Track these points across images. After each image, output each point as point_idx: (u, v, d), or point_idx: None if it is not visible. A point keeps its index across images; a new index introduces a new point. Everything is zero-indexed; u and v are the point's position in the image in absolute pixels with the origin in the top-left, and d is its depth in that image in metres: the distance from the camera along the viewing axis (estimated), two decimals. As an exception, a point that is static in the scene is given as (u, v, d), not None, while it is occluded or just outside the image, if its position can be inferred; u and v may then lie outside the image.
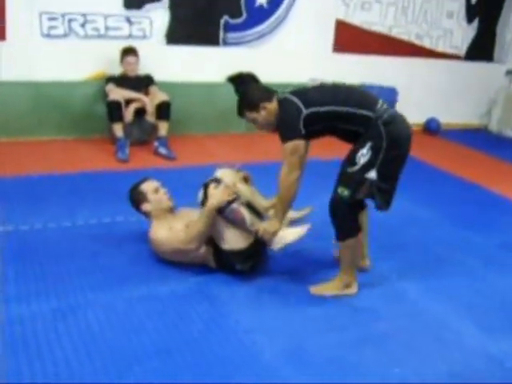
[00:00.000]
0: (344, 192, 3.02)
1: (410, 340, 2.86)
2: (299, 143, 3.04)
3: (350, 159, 3.06)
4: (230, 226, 3.23)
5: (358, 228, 3.16)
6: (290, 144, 3.03)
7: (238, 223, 3.21)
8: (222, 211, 3.17)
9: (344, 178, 3.06)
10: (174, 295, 3.05)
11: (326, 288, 3.23)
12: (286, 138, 3.06)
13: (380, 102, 3.09)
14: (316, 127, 3.10)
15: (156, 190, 3.46)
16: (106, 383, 2.35)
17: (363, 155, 3.01)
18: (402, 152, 3.11)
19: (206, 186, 3.25)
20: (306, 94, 3.14)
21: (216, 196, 3.16)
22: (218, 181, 3.28)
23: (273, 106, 3.16)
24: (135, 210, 3.53)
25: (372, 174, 3.00)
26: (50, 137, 5.68)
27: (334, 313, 3.04)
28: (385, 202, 3.12)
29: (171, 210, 3.51)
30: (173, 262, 3.34)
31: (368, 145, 3.01)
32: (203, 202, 3.21)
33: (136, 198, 3.50)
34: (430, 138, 7.57)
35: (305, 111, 3.03)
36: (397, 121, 3.07)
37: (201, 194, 3.28)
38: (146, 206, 3.45)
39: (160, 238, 3.31)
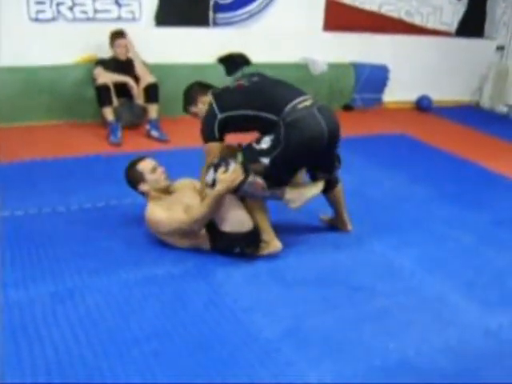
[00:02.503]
0: (239, 158, 3.27)
1: (408, 316, 2.88)
2: (213, 145, 3.37)
3: (258, 139, 3.30)
4: (235, 208, 3.23)
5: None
6: (206, 146, 3.39)
7: (258, 194, 3.23)
8: (238, 189, 3.17)
9: (247, 149, 3.32)
10: (171, 277, 3.06)
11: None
12: (203, 138, 3.41)
13: (296, 100, 3.26)
14: (231, 128, 3.39)
15: (153, 170, 3.44)
16: (105, 366, 2.37)
17: (265, 142, 3.24)
18: (303, 153, 3.24)
19: (216, 167, 3.21)
20: (223, 97, 3.41)
21: (225, 181, 3.12)
22: (227, 163, 3.22)
23: (207, 99, 3.42)
24: (131, 189, 3.51)
25: (265, 161, 3.22)
26: (41, 121, 5.63)
27: (331, 291, 3.05)
28: (269, 186, 3.24)
29: (168, 190, 3.50)
30: (169, 243, 3.36)
31: (272, 136, 3.22)
32: (213, 183, 3.17)
33: (133, 178, 3.46)
34: (422, 115, 7.57)
35: (219, 116, 3.32)
36: (300, 125, 3.18)
37: (210, 175, 3.21)
38: (143, 186, 3.43)
39: (159, 219, 3.28)
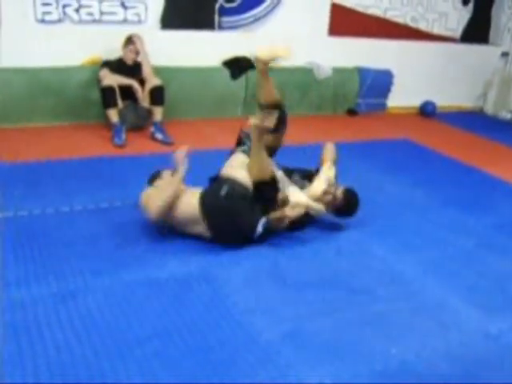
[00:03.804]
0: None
1: (408, 321, 2.89)
2: None
3: None
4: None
5: None
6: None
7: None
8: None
9: None
10: (172, 278, 3.08)
11: None
12: None
13: None
14: None
15: (172, 174, 3.57)
16: (107, 366, 2.38)
17: None
18: None
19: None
20: None
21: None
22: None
23: None
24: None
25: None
26: (46, 123, 5.65)
27: (330, 294, 3.07)
28: None
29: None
30: (171, 245, 3.38)
31: None
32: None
33: (153, 177, 3.67)
34: (426, 120, 7.57)
35: None
36: None
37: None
38: (157, 182, 3.59)
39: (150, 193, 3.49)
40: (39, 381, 2.27)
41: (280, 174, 3.66)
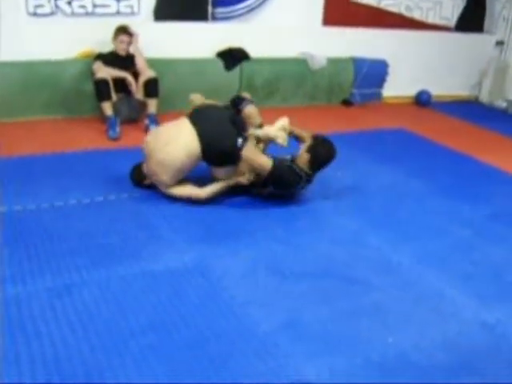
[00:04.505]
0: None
1: (405, 310, 2.89)
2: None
3: None
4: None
5: None
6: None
7: None
8: None
9: None
10: (168, 271, 3.07)
11: None
12: None
13: None
14: None
15: None
16: (103, 360, 2.37)
17: None
18: None
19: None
20: None
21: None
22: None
23: None
24: None
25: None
26: (40, 116, 5.63)
27: (327, 285, 3.07)
28: None
29: None
30: (166, 237, 3.38)
31: None
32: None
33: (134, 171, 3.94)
34: (421, 110, 7.57)
35: None
36: None
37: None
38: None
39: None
40: (35, 376, 2.27)
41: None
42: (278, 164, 3.78)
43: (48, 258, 3.11)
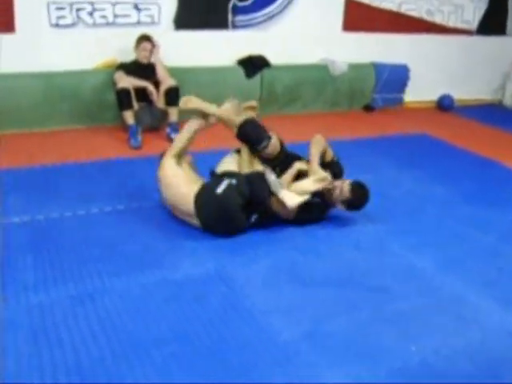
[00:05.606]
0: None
1: (428, 318, 2.86)
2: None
3: None
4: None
5: None
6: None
7: None
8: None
9: None
10: (189, 279, 3.07)
11: None
12: None
13: None
14: None
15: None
16: (125, 368, 2.38)
17: None
18: None
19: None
20: None
21: None
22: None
23: None
24: None
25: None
26: (62, 126, 5.68)
27: (348, 292, 3.04)
28: None
29: None
30: (187, 245, 3.40)
31: None
32: None
33: None
34: (444, 114, 7.51)
35: None
36: None
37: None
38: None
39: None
40: (58, 382, 2.27)
41: (273, 178, 3.63)
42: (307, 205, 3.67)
43: (70, 266, 3.13)
